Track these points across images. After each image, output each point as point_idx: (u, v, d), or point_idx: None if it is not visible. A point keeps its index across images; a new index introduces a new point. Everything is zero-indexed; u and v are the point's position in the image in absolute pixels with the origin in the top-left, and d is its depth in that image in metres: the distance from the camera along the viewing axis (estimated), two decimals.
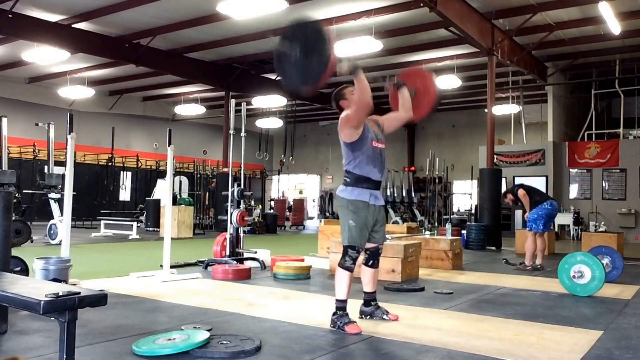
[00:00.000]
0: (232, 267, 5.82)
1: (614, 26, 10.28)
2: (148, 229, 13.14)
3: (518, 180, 7.29)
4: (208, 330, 3.21)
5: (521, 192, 7.15)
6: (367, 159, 3.56)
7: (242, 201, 6.98)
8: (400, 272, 5.71)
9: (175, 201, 12.50)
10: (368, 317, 3.79)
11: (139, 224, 12.35)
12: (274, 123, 19.26)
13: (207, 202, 15.65)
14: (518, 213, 13.64)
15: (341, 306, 3.53)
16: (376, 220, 3.64)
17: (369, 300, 3.81)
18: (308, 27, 3.35)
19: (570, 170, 14.82)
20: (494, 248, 10.45)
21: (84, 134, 16.38)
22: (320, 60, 3.18)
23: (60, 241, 5.58)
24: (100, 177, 16.44)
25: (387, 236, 6.96)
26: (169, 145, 5.83)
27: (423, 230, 11.51)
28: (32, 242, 9.02)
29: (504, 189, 7.31)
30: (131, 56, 12.89)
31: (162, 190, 13.57)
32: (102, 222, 12.22)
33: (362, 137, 3.54)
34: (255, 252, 6.85)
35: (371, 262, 3.74)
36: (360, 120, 3.49)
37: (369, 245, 3.67)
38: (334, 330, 3.46)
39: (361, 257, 3.70)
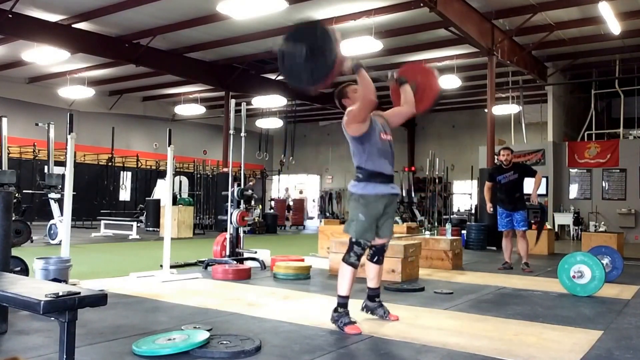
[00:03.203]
0: (232, 267, 5.82)
1: (614, 26, 10.27)
2: (148, 229, 13.14)
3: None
4: (208, 330, 3.21)
5: (539, 176, 6.96)
6: (378, 151, 3.57)
7: (244, 201, 6.98)
8: (400, 272, 5.71)
9: (175, 201, 12.51)
10: (370, 312, 3.80)
11: (139, 224, 12.35)
12: (274, 123, 19.26)
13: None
14: None
15: (343, 302, 3.52)
16: (386, 212, 3.63)
17: (373, 296, 3.82)
18: (314, 28, 3.36)
19: (570, 170, 14.81)
20: (494, 248, 10.45)
21: (84, 134, 16.38)
22: (327, 60, 3.19)
23: (60, 241, 5.59)
24: (100, 177, 16.43)
25: None
26: (169, 145, 5.82)
27: (423, 230, 11.51)
28: (32, 242, 9.02)
29: (487, 205, 7.19)
30: (131, 56, 12.90)
31: (162, 190, 13.58)
32: (102, 222, 12.22)
33: (370, 129, 3.55)
34: (255, 252, 6.85)
35: (376, 258, 3.75)
36: (365, 116, 3.51)
37: (375, 241, 3.67)
38: (334, 330, 3.46)
39: (365, 253, 3.70)
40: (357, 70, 3.41)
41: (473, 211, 14.90)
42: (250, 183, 17.43)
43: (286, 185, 21.36)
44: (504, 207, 7.00)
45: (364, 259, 3.75)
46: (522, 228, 6.92)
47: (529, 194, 7.01)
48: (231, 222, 6.80)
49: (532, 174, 7.02)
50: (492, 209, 7.19)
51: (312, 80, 3.32)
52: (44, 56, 12.47)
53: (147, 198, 14.68)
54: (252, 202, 7.67)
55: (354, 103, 3.57)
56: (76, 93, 15.87)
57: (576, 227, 13.92)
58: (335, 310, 3.54)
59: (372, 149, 3.56)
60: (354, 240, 3.53)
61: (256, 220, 13.92)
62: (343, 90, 3.70)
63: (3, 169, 8.86)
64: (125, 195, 18.16)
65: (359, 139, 3.57)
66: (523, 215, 6.90)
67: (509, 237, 7.11)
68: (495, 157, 7.19)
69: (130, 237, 11.33)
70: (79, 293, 2.17)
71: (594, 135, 15.18)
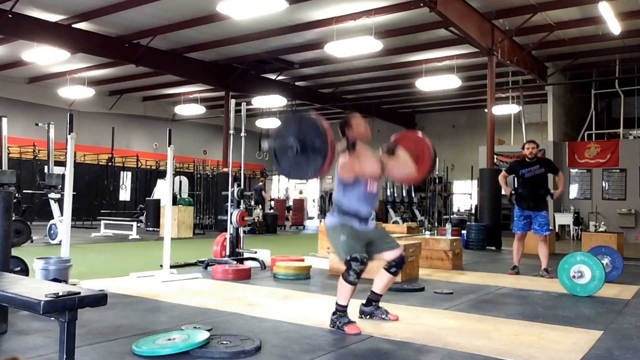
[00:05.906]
0: (232, 267, 5.82)
1: (614, 26, 10.27)
2: (148, 229, 13.14)
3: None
4: (208, 330, 3.21)
5: (562, 176, 6.67)
6: (358, 198, 3.55)
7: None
8: (400, 272, 5.70)
9: (175, 201, 12.51)
10: (368, 317, 3.78)
11: (139, 224, 12.35)
12: (274, 123, 19.24)
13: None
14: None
15: (341, 309, 3.52)
16: (374, 237, 3.62)
17: (372, 300, 3.79)
18: (302, 121, 3.38)
19: (571, 170, 14.80)
20: (494, 248, 10.46)
21: (84, 134, 16.38)
22: (319, 155, 3.22)
23: (60, 241, 5.59)
24: (100, 177, 16.43)
25: None
26: (169, 145, 5.83)
27: (423, 230, 11.51)
28: (32, 242, 9.01)
29: (504, 191, 6.95)
30: (131, 56, 12.89)
31: (162, 190, 13.57)
32: (102, 222, 12.22)
33: (359, 180, 3.53)
34: (255, 252, 6.85)
35: (394, 270, 3.67)
36: (362, 177, 3.51)
37: (391, 255, 3.62)
38: (334, 330, 3.46)
39: (377, 263, 3.66)
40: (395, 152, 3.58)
41: (473, 211, 14.91)
42: (261, 183, 17.45)
43: (286, 186, 21.36)
44: (523, 206, 6.34)
45: (374, 265, 3.70)
46: (545, 233, 6.28)
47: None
48: (231, 222, 6.80)
49: (556, 170, 6.55)
50: (511, 192, 6.48)
51: (309, 172, 3.39)
52: (44, 56, 12.46)
53: (147, 198, 14.67)
54: (265, 196, 7.66)
55: (356, 135, 3.56)
56: (76, 93, 15.86)
57: (576, 227, 13.92)
58: (334, 313, 3.54)
59: (353, 195, 3.55)
60: (348, 258, 3.44)
61: (256, 220, 13.91)
62: (348, 121, 3.64)
63: (3, 169, 8.86)
64: (125, 195, 18.16)
65: (343, 184, 3.56)
66: (546, 218, 6.32)
67: (523, 240, 6.60)
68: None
69: (130, 237, 11.32)
70: (79, 293, 2.17)
71: (594, 135, 15.17)
